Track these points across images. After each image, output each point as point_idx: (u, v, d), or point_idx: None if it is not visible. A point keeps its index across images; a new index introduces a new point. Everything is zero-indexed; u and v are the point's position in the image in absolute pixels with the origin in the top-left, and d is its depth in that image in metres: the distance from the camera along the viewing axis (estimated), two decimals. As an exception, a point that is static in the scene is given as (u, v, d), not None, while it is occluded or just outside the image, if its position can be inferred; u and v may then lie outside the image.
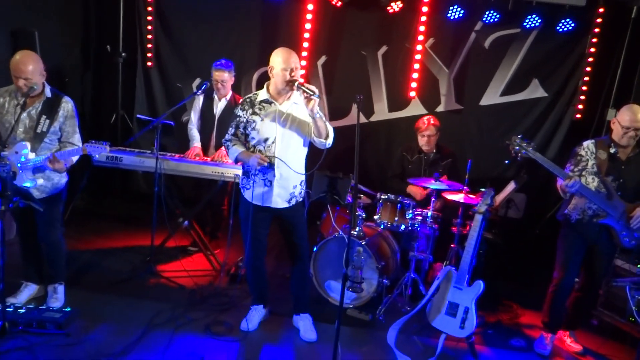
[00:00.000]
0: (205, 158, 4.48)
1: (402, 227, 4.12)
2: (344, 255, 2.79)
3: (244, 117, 3.35)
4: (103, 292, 3.94)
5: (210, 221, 4.96)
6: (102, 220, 5.61)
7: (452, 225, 4.28)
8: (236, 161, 3.43)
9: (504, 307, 4.39)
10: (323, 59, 5.80)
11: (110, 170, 4.69)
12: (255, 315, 3.67)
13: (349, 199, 3.34)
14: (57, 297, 3.68)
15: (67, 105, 3.46)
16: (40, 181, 3.41)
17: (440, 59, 5.60)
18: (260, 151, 3.31)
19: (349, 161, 2.88)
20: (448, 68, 5.61)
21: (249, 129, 3.34)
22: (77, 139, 3.50)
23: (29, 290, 3.72)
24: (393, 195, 4.17)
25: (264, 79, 5.79)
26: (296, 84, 3.15)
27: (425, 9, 5.35)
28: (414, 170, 4.62)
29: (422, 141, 4.58)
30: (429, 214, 4.11)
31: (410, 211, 4.11)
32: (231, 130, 3.45)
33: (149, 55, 5.96)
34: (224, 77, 4.54)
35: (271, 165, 3.30)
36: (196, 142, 4.69)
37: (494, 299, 4.40)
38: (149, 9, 5.82)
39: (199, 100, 4.70)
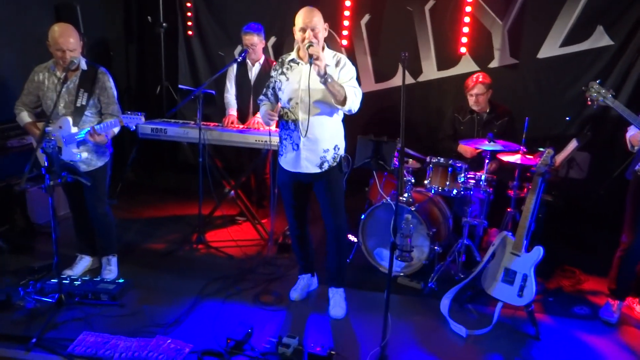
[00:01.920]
0: (238, 126, 4.42)
1: (454, 191, 3.92)
2: (392, 223, 2.65)
3: (275, 78, 3.24)
4: (154, 263, 4.01)
5: (256, 190, 4.93)
6: (152, 192, 5.71)
7: (508, 189, 4.04)
8: (265, 123, 3.33)
9: (565, 273, 4.14)
10: (367, 17, 5.53)
11: (159, 142, 4.72)
12: (303, 284, 3.62)
13: (396, 163, 3.17)
14: (111, 269, 3.76)
15: (103, 76, 3.44)
16: (85, 155, 3.44)
17: (493, 10, 5.20)
18: (286, 112, 3.18)
19: (396, 124, 2.70)
20: (502, 20, 5.21)
21: (277, 89, 3.23)
22: (115, 109, 3.48)
23: (83, 263, 3.82)
24: (443, 159, 3.96)
25: (306, 42, 5.65)
26: (306, 44, 2.94)
27: (475, -44, 4.96)
28: (467, 132, 4.37)
29: (471, 101, 4.31)
30: (483, 177, 3.88)
31: (463, 175, 3.90)
32: (264, 90, 3.35)
33: (189, 24, 5.89)
34: (254, 41, 4.42)
35: (296, 127, 3.15)
36: (232, 109, 4.64)
37: (554, 265, 4.16)
38: (187, -25, 5.72)
39: (233, 67, 4.61)
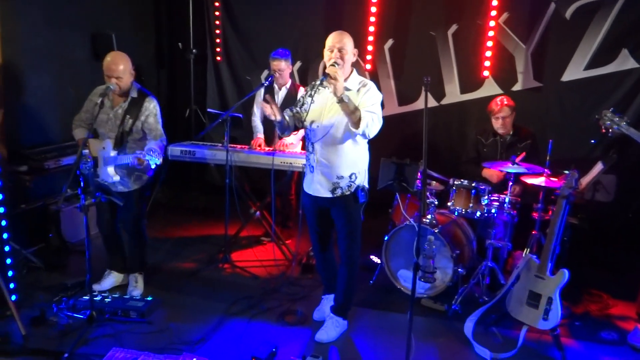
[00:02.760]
0: (264, 148, 4.53)
1: (478, 213, 3.93)
2: (414, 244, 2.69)
3: (303, 98, 3.30)
4: (181, 282, 4.10)
5: (281, 211, 5.01)
6: (179, 213, 5.85)
7: (532, 211, 4.03)
8: (279, 130, 3.31)
9: (592, 297, 4.08)
10: (390, 42, 5.64)
11: (187, 163, 4.87)
12: (327, 305, 3.65)
13: (419, 185, 3.20)
14: (137, 286, 3.86)
15: (149, 104, 3.60)
16: (117, 178, 3.56)
17: (516, 34, 5.26)
18: (307, 134, 3.24)
19: (419, 146, 2.75)
20: (525, 43, 5.26)
21: (302, 109, 3.25)
22: (158, 135, 3.62)
23: (111, 278, 3.93)
24: (467, 181, 3.99)
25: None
26: (329, 63, 3.01)
27: (497, -18, 5.04)
28: (490, 154, 4.38)
29: (496, 124, 4.33)
30: (507, 199, 3.88)
31: (486, 197, 3.91)
32: (292, 107, 3.37)
33: (218, 50, 6.10)
34: (281, 66, 4.54)
35: (313, 150, 3.19)
36: (259, 133, 4.76)
37: (580, 289, 4.10)
38: (217, 4, 5.95)
39: (261, 92, 4.75)
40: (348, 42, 3.12)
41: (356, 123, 2.99)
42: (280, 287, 4.04)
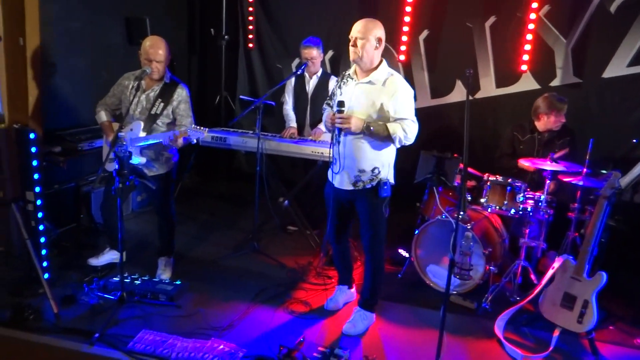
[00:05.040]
0: (296, 137, 4.51)
1: (512, 211, 3.84)
2: (451, 240, 2.62)
3: (334, 90, 3.27)
4: (209, 267, 4.12)
5: (310, 201, 4.98)
6: (207, 198, 5.88)
7: (568, 210, 3.91)
8: (327, 129, 3.35)
9: (629, 301, 3.96)
10: (425, 33, 5.53)
11: (215, 150, 4.87)
12: (339, 295, 3.62)
13: (457, 181, 3.14)
14: (166, 270, 3.89)
15: (182, 91, 3.63)
16: (143, 160, 3.59)
17: (557, 28, 5.09)
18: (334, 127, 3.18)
19: (450, 140, 2.71)
20: (566, 38, 5.09)
21: (333, 101, 3.21)
22: (189, 122, 3.64)
23: (111, 255, 3.92)
24: (502, 178, 3.89)
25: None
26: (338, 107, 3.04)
27: (540, -27, 4.88)
28: (526, 151, 4.27)
29: (543, 120, 4.19)
30: (543, 197, 3.78)
31: (522, 194, 3.82)
32: (327, 100, 3.40)
33: (250, 37, 6.07)
34: (313, 54, 4.50)
35: (338, 142, 3.13)
36: (292, 122, 4.73)
37: (617, 292, 3.97)
38: (250, -9, 5.91)
39: (292, 80, 4.71)
40: (371, 30, 2.98)
41: (390, 141, 2.99)
42: (307, 277, 4.02)
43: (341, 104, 3.02)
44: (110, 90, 3.74)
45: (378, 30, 3.01)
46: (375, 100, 3.04)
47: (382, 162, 3.17)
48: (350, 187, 3.18)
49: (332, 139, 3.15)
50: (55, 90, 4.46)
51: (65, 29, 4.52)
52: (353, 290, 3.70)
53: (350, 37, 3.03)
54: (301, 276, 4.03)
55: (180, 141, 3.41)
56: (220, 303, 3.55)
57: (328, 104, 3.38)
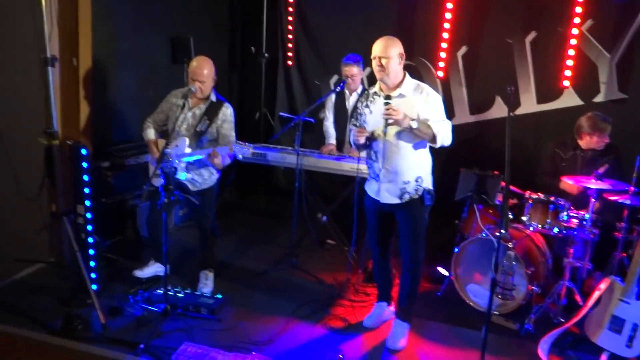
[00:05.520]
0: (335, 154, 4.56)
1: (555, 230, 3.76)
2: (493, 259, 2.60)
3: (360, 110, 3.32)
4: (248, 282, 4.18)
5: (348, 217, 4.99)
6: (247, 213, 5.97)
7: (614, 230, 3.80)
8: (355, 146, 3.38)
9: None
10: (464, 49, 5.51)
11: (255, 165, 4.96)
12: (378, 312, 3.62)
13: (498, 199, 3.11)
14: (207, 283, 3.97)
15: (226, 110, 3.75)
16: (190, 175, 3.72)
17: (600, 43, 5.00)
18: (370, 144, 3.24)
19: (490, 156, 2.70)
20: (609, 52, 4.98)
21: (361, 121, 3.30)
22: (231, 142, 3.73)
23: (155, 267, 4.02)
24: (545, 195, 3.82)
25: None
26: (384, 102, 3.07)
27: (582, -12, 4.81)
28: (569, 168, 4.18)
29: (586, 139, 4.10)
30: (587, 216, 3.69)
31: (565, 213, 3.74)
32: (352, 121, 3.45)
33: (289, 54, 6.19)
34: (353, 72, 4.56)
35: (376, 158, 3.20)
36: (331, 138, 4.78)
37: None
38: (290, 9, 6.04)
39: (332, 97, 4.78)
40: (392, 48, 3.08)
41: (432, 140, 3.03)
42: (346, 293, 4.03)
43: (388, 97, 3.06)
44: (158, 106, 3.89)
45: (398, 47, 3.13)
46: (411, 110, 3.09)
47: (424, 170, 3.24)
48: (397, 200, 3.23)
49: (368, 155, 3.25)
50: (104, 107, 4.66)
51: (115, 49, 4.73)
52: (392, 308, 3.69)
53: (373, 57, 3.12)
54: (339, 292, 4.04)
55: (218, 159, 3.50)
56: (259, 317, 3.60)
57: (355, 125, 3.41)
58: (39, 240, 4.15)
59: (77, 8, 3.93)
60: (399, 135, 3.13)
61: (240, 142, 3.58)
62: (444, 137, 3.09)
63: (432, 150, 3.33)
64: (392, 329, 3.41)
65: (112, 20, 4.62)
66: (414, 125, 2.99)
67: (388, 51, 3.07)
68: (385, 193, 3.24)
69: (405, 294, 3.41)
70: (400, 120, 2.98)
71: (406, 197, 3.20)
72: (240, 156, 3.54)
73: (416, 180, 3.20)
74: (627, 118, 4.92)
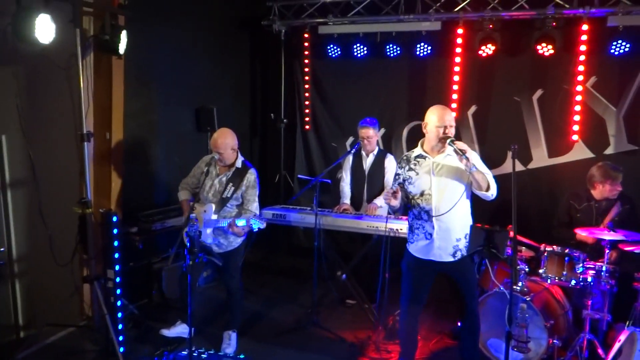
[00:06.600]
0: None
1: (572, 282, 3.79)
2: (506, 312, 2.66)
3: (402, 175, 3.46)
4: (270, 342, 4.24)
5: (367, 274, 5.08)
6: (268, 273, 6.08)
7: (634, 280, 3.81)
8: (391, 209, 3.47)
9: None
10: (473, 108, 5.74)
11: (276, 226, 5.13)
12: None
13: (508, 252, 3.19)
14: (230, 343, 4.05)
15: (251, 176, 3.96)
16: (219, 239, 3.88)
17: (606, 98, 5.17)
18: (418, 203, 3.35)
19: (506, 212, 2.81)
20: (615, 106, 5.14)
21: (407, 184, 3.42)
22: (254, 207, 3.94)
23: (182, 328, 4.11)
24: (559, 248, 3.88)
25: (414, 133, 5.96)
26: (448, 141, 3.20)
27: (583, 47, 5.04)
28: (584, 220, 4.24)
29: (598, 189, 4.20)
30: (604, 267, 3.72)
31: (581, 264, 3.77)
32: (392, 184, 3.57)
33: (307, 119, 6.51)
34: (370, 134, 4.78)
35: (429, 217, 3.31)
36: (346, 198, 4.96)
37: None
38: (306, 78, 6.41)
39: (349, 158, 4.99)
40: (453, 118, 3.35)
41: (488, 188, 3.18)
42: (367, 351, 4.06)
43: (452, 140, 3.21)
44: (192, 170, 4.12)
45: None
46: (460, 165, 3.25)
47: (470, 227, 3.35)
48: (450, 259, 3.33)
49: (415, 216, 3.40)
50: (133, 175, 4.95)
51: (144, 121, 5.09)
52: None
53: (441, 125, 3.28)
54: (360, 350, 4.07)
55: (238, 229, 3.70)
56: (282, 377, 3.65)
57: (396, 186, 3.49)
58: (70, 304, 4.32)
59: (111, 86, 4.31)
60: (449, 193, 3.28)
61: (259, 217, 3.77)
62: (493, 186, 3.25)
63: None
64: None
65: (143, 95, 5.00)
66: (474, 168, 3.13)
67: (452, 120, 3.34)
68: (439, 251, 3.34)
69: (473, 352, 3.53)
70: (470, 156, 3.12)
71: (458, 254, 3.32)
72: (255, 228, 3.70)
73: (465, 237, 3.34)
74: (638, 169, 5.00)
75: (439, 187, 3.30)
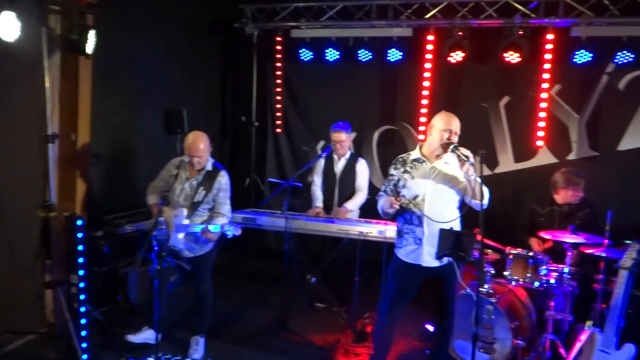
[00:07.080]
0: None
1: (536, 283, 3.88)
2: (473, 314, 2.71)
3: (397, 176, 3.42)
4: (240, 345, 4.21)
5: (337, 277, 5.09)
6: (238, 277, 6.02)
7: (593, 282, 3.93)
8: (383, 213, 3.45)
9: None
10: (442, 114, 5.83)
11: (245, 230, 5.08)
12: None
13: (476, 254, 3.25)
14: (198, 349, 4.00)
15: (222, 179, 3.90)
16: (190, 243, 3.82)
17: (569, 105, 5.35)
18: (410, 208, 3.33)
19: (476, 215, 2.88)
20: (578, 114, 5.32)
21: (400, 186, 3.40)
22: (226, 209, 3.89)
23: (148, 334, 4.05)
24: (524, 251, 3.98)
25: (385, 137, 6.02)
26: (452, 146, 3.20)
27: (548, 56, 5.20)
28: (546, 223, 4.36)
29: (561, 194, 4.32)
30: (566, 269, 3.83)
31: (544, 267, 3.87)
32: (383, 188, 3.51)
33: (278, 122, 6.50)
34: (342, 138, 4.81)
35: (420, 222, 3.31)
36: (318, 202, 4.96)
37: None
38: (278, 81, 6.41)
39: (321, 162, 5.00)
40: (459, 126, 3.37)
41: (482, 198, 3.11)
42: (335, 355, 4.07)
43: (455, 146, 3.21)
44: (160, 174, 4.05)
45: None
46: (458, 175, 3.28)
47: (439, 231, 3.31)
48: (437, 263, 3.30)
49: (406, 220, 3.38)
50: (100, 178, 4.85)
51: (111, 123, 4.98)
52: None
53: (447, 129, 3.31)
54: (329, 354, 4.08)
55: (212, 235, 3.65)
56: (250, 381, 3.62)
57: (385, 192, 3.46)
58: (32, 311, 4.19)
59: (78, 86, 4.21)
60: (443, 199, 3.30)
61: (234, 223, 3.71)
62: (487, 193, 3.26)
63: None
64: None
65: (111, 97, 4.90)
66: (473, 177, 3.10)
67: (458, 126, 3.35)
68: (427, 257, 3.33)
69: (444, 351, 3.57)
70: (468, 167, 3.10)
71: (445, 259, 3.26)
72: (230, 235, 3.65)
73: None
74: (598, 174, 5.18)
75: (433, 193, 3.29)
